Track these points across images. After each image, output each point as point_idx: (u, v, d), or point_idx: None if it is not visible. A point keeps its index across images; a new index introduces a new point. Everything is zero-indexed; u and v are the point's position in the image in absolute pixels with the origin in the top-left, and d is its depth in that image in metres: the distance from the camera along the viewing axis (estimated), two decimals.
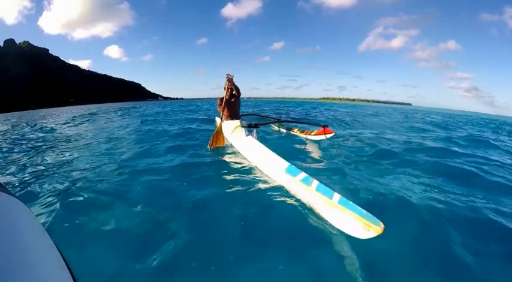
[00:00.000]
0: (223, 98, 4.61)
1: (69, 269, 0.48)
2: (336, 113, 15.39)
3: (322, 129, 4.81)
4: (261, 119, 7.40)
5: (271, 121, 6.01)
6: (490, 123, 15.57)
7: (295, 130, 5.61)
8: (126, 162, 3.66)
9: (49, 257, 0.45)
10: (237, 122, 4.49)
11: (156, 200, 2.43)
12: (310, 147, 4.59)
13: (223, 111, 4.71)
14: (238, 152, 3.90)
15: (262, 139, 4.08)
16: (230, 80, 4.47)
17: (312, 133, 5.01)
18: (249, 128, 4.24)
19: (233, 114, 4.81)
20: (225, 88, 4.55)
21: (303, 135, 5.29)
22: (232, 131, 4.37)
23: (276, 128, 6.32)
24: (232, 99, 4.74)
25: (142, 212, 2.18)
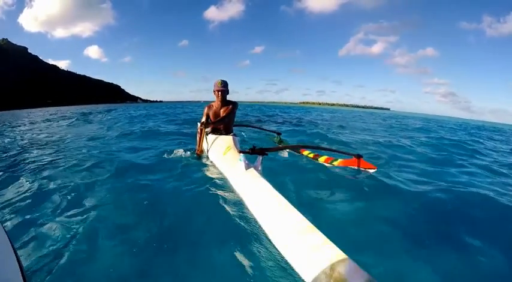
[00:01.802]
0: (211, 105, 3.65)
1: (20, 265, 0.47)
2: (323, 118, 15.54)
3: (353, 159, 3.18)
4: (269, 143, 5.26)
5: (283, 146, 4.09)
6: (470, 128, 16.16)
7: (307, 152, 3.78)
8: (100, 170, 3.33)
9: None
10: (228, 140, 3.25)
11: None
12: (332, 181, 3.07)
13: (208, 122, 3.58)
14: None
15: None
16: (219, 92, 3.52)
17: (336, 162, 3.33)
18: (252, 154, 2.52)
19: (224, 128, 3.69)
20: (214, 92, 3.56)
21: (319, 161, 3.53)
22: (220, 151, 3.11)
23: (275, 144, 4.90)
24: (223, 109, 3.60)
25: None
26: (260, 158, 2.54)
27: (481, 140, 9.18)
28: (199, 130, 3.62)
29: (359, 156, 3.17)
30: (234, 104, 3.62)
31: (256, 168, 2.39)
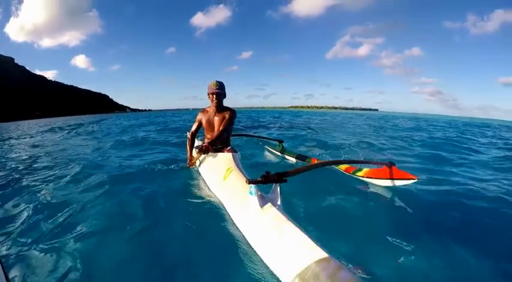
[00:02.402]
0: (206, 110, 3.15)
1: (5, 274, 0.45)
2: (317, 121, 15.54)
3: (383, 168, 2.52)
4: (267, 153, 4.78)
5: (304, 167, 2.10)
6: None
7: (316, 161, 3.18)
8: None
9: None
10: (227, 158, 2.51)
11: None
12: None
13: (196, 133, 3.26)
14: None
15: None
16: (214, 95, 2.92)
17: (360, 172, 2.73)
18: (266, 183, 1.69)
19: (220, 140, 3.00)
20: (208, 95, 2.97)
21: (340, 169, 3.00)
22: (219, 174, 2.39)
23: (278, 153, 4.30)
24: (218, 117, 3.03)
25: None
26: (278, 187, 1.74)
27: (473, 137, 9.26)
28: (189, 136, 3.28)
29: (391, 164, 2.48)
30: (232, 112, 3.02)
31: (274, 203, 1.63)
